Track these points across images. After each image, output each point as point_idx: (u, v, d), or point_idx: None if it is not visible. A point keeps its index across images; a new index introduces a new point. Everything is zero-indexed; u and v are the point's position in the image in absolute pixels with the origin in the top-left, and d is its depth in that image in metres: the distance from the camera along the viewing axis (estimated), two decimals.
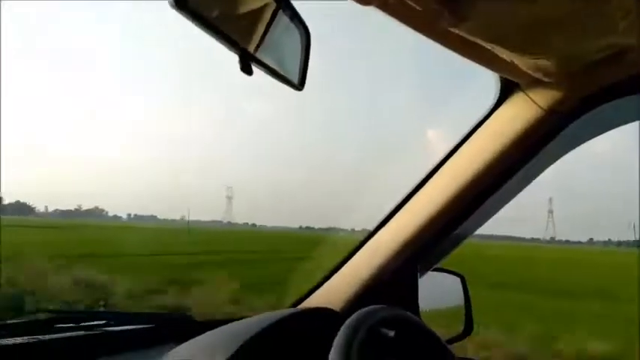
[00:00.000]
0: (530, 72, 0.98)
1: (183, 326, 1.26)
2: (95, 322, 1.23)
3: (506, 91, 1.07)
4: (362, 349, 0.90)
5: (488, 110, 1.11)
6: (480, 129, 1.12)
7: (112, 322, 1.23)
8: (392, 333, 1.21)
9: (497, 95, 1.08)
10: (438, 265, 1.40)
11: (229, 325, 1.15)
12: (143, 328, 1.24)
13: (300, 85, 0.74)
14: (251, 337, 1.02)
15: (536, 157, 1.11)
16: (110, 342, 1.16)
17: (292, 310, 1.18)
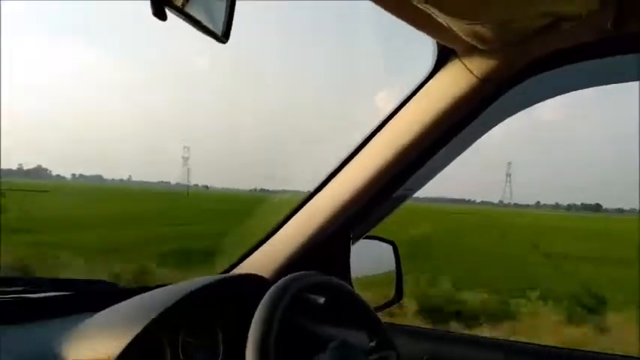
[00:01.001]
0: (466, 39, 0.96)
1: (106, 294, 1.21)
2: (12, 289, 1.16)
3: (443, 57, 1.06)
4: (286, 315, 0.88)
5: (425, 76, 1.09)
6: (416, 95, 1.11)
7: (30, 289, 1.17)
8: (321, 300, 1.21)
9: (434, 61, 1.07)
10: (372, 233, 1.40)
11: (151, 292, 1.11)
12: (62, 295, 1.18)
13: (224, 38, 0.69)
14: (172, 303, 0.98)
15: (470, 125, 1.11)
16: (26, 309, 1.09)
17: (218, 276, 1.15)
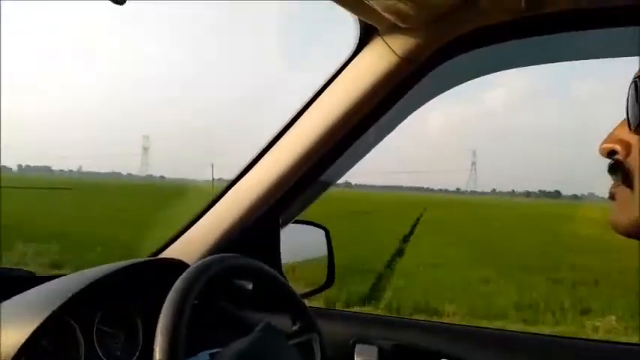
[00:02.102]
0: (387, 16, 0.96)
1: (19, 282, 1.13)
2: None
3: (366, 36, 1.05)
4: (206, 299, 0.85)
5: (349, 56, 1.08)
6: (340, 75, 1.09)
7: None
8: (249, 285, 1.18)
9: (357, 41, 1.06)
10: (302, 218, 1.38)
11: (64, 277, 1.05)
12: None
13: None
14: (81, 288, 0.93)
15: (396, 105, 1.11)
16: None
17: (135, 260, 1.10)
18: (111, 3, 0.66)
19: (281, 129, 1.16)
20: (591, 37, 1.00)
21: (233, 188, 1.22)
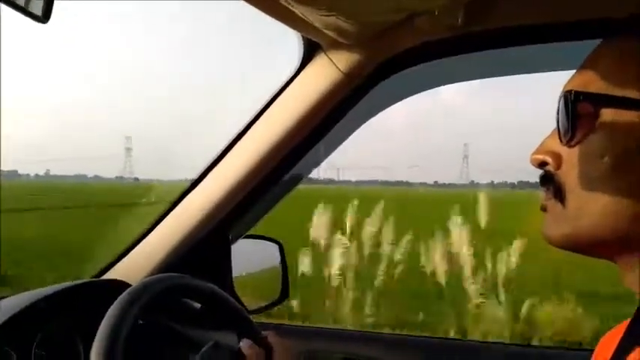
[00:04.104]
0: (328, 32, 0.96)
1: None
2: None
3: (310, 52, 1.05)
4: (146, 319, 0.83)
5: (294, 72, 1.08)
6: (285, 91, 1.10)
7: None
8: (197, 305, 1.16)
9: (301, 56, 1.06)
10: (252, 232, 1.37)
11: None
12: None
13: (44, 18, 0.63)
14: (17, 311, 0.90)
15: (341, 121, 1.12)
16: None
17: (76, 282, 1.06)
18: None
19: (227, 144, 1.15)
20: (530, 52, 1.03)
21: (180, 205, 1.20)
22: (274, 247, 1.43)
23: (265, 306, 1.41)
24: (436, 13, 0.92)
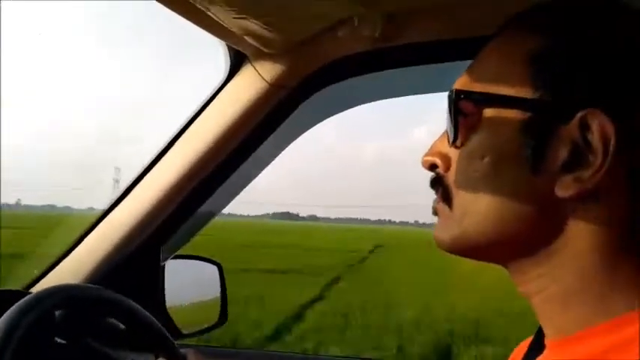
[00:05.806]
0: (252, 42, 0.95)
1: None
2: None
3: (236, 62, 1.04)
4: (66, 337, 0.79)
5: (221, 83, 1.07)
6: (212, 102, 1.08)
7: None
8: (119, 324, 1.11)
9: (229, 67, 1.05)
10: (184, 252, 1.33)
11: None
12: None
13: None
14: None
15: (273, 135, 1.09)
16: None
17: None
18: None
19: (155, 156, 1.12)
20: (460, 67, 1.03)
21: (106, 219, 1.16)
22: (212, 269, 1.39)
23: (201, 330, 1.36)
24: (356, 23, 0.92)
